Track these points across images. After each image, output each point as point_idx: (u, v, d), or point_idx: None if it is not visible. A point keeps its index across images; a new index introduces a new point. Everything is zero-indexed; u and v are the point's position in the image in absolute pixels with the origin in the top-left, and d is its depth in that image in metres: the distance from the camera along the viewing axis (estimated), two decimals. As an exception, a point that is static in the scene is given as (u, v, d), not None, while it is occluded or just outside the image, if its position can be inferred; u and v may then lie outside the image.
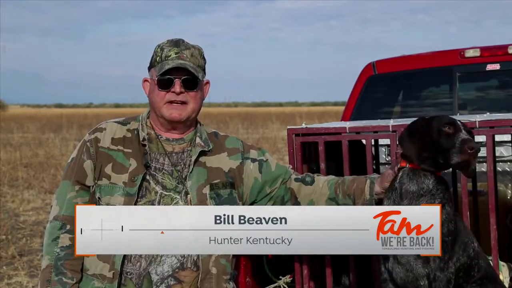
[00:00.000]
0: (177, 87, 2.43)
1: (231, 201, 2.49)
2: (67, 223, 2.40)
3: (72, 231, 2.36)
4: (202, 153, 2.50)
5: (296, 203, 2.59)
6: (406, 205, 2.29)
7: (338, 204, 2.54)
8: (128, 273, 2.38)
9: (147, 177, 2.43)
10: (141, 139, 2.47)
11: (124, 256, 2.36)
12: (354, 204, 2.52)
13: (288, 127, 2.86)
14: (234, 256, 2.51)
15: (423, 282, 2.30)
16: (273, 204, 2.60)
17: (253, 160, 2.60)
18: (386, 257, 2.39)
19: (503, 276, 2.79)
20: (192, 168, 2.47)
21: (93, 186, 2.45)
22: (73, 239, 2.35)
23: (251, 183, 2.57)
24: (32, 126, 25.94)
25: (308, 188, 2.59)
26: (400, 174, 2.35)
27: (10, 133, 22.22)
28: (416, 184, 2.31)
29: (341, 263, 2.84)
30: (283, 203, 2.60)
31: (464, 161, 2.21)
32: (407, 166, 2.33)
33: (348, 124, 2.86)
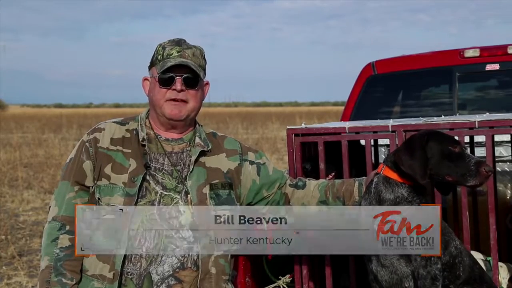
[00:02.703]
0: (178, 84, 2.44)
1: (230, 202, 2.49)
2: (67, 224, 2.39)
3: (71, 232, 2.37)
4: (202, 153, 2.50)
5: None
6: None
7: None
8: (129, 273, 2.37)
9: (147, 177, 2.43)
10: (140, 139, 2.47)
11: (125, 256, 2.36)
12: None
13: (288, 127, 2.85)
14: (232, 256, 2.51)
15: (408, 284, 2.30)
16: None
17: (251, 163, 2.60)
18: (369, 259, 2.39)
19: (501, 276, 2.78)
20: (192, 168, 2.47)
21: (92, 187, 2.44)
22: (72, 240, 2.36)
23: (249, 184, 2.58)
24: (32, 126, 25.97)
25: (299, 192, 2.60)
26: (375, 179, 2.38)
27: (10, 133, 22.23)
28: (392, 193, 2.33)
29: (340, 263, 2.83)
30: None
31: (480, 183, 2.26)
32: (381, 173, 2.36)
33: (347, 124, 2.86)
